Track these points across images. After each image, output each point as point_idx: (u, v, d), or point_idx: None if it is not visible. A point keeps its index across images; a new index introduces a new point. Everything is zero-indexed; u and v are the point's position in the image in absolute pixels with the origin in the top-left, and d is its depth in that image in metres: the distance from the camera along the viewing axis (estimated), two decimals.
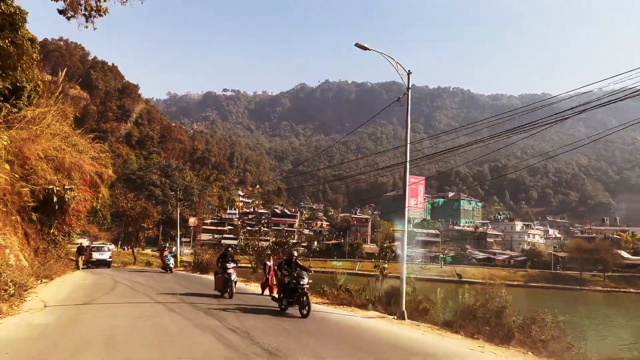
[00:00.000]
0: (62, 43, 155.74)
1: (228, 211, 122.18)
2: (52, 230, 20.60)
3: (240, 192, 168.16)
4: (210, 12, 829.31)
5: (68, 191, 20.20)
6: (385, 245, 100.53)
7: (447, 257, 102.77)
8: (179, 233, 39.34)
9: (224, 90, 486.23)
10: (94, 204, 23.75)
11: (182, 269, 30.60)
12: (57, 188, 19.87)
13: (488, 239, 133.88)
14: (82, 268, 28.29)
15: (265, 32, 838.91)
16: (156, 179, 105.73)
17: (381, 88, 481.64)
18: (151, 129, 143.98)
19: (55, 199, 19.82)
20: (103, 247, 36.35)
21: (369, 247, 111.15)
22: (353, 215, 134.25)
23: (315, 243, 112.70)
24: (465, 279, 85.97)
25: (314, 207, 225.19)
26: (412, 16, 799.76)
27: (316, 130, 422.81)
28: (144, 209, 38.65)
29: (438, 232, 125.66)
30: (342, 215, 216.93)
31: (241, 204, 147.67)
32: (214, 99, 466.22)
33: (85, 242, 37.64)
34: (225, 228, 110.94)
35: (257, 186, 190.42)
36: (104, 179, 23.49)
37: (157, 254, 73.72)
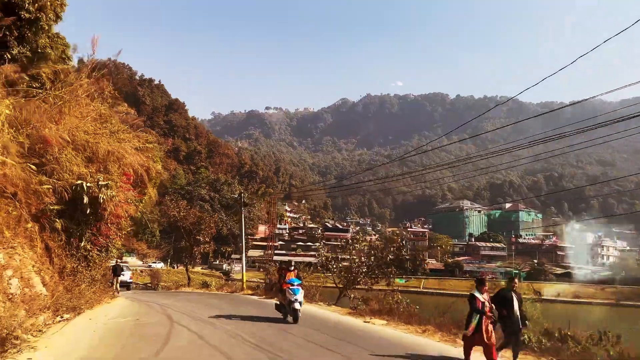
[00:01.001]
0: (109, 63, 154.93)
1: (278, 226, 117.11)
2: (82, 244, 14.97)
3: (287, 207, 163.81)
4: (252, 34, 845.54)
5: (104, 189, 14.54)
6: (449, 260, 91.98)
7: (522, 273, 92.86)
8: (244, 245, 32.22)
9: (267, 108, 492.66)
10: (139, 208, 18.04)
11: (249, 291, 24.61)
12: (89, 184, 14.24)
13: (558, 252, 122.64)
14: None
15: (307, 49, 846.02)
16: (205, 193, 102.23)
17: (424, 100, 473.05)
18: (198, 144, 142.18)
19: (86, 200, 14.20)
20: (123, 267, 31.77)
21: (430, 262, 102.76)
22: (410, 229, 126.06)
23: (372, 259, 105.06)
24: (545, 297, 76.75)
25: (360, 221, 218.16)
26: (454, 26, 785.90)
27: (359, 145, 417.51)
28: (198, 218, 32.75)
29: (504, 246, 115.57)
30: (390, 229, 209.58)
31: (289, 219, 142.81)
32: (257, 117, 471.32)
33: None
34: (276, 243, 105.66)
35: (303, 201, 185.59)
36: (152, 176, 17.89)
37: (218, 273, 68.99)
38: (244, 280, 28.97)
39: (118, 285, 23.63)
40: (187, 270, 41.59)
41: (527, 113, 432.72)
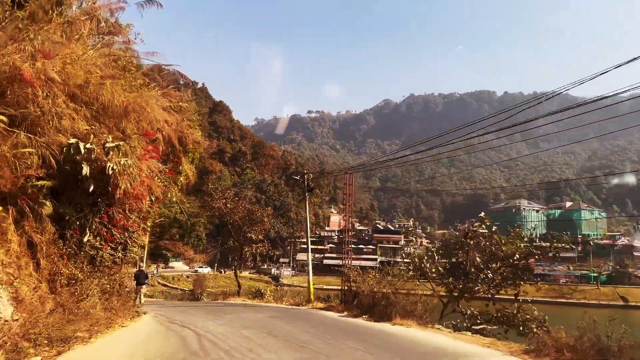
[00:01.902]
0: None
1: (327, 228, 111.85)
2: (87, 238, 10.01)
3: (332, 210, 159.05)
4: (290, 39, 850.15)
5: (114, 154, 9.53)
6: None
7: (602, 276, 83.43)
8: (308, 240, 25.89)
9: (309, 112, 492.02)
10: (173, 192, 12.94)
11: (320, 305, 19.06)
12: (90, 146, 9.26)
13: (635, 253, 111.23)
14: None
15: (348, 52, 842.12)
16: (251, 195, 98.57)
17: (470, 97, 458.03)
18: (243, 145, 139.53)
19: (86, 171, 9.23)
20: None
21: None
22: (472, 228, 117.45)
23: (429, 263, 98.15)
24: (633, 303, 68.12)
25: (408, 224, 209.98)
26: (500, 21, 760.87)
27: (403, 146, 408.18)
28: (249, 211, 27.35)
29: (574, 247, 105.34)
30: (440, 232, 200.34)
31: (337, 221, 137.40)
32: (299, 121, 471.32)
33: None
34: (326, 247, 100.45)
35: (350, 203, 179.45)
36: (188, 147, 12.83)
37: (266, 278, 63.92)
38: (311, 290, 23.24)
39: (142, 297, 18.98)
40: (236, 275, 35.97)
41: (581, 109, 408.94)
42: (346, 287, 17.89)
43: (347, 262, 20.49)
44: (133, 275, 18.05)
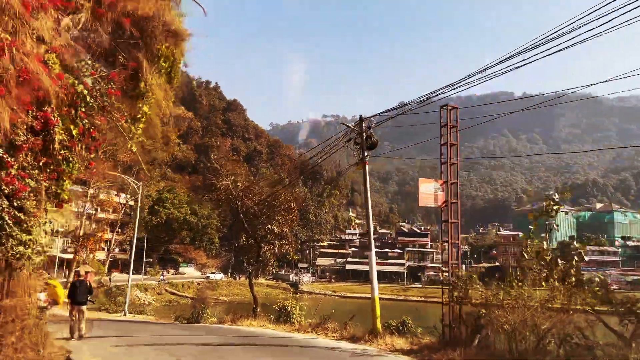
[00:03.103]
0: None
1: (347, 231, 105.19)
2: None
3: (351, 213, 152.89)
4: (307, 43, 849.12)
5: None
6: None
7: None
8: (370, 230, 14.50)
9: (324, 116, 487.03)
10: (127, 127, 6.56)
11: (400, 343, 10.46)
12: None
13: None
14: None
15: (361, 56, 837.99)
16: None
17: (488, 99, 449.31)
18: (258, 144, 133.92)
19: None
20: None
21: None
22: (499, 232, 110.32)
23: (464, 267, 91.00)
24: None
25: (427, 228, 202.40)
26: (516, 16, 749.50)
27: (420, 150, 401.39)
28: (269, 195, 19.93)
29: (617, 250, 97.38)
30: (463, 235, 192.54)
31: (355, 224, 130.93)
32: (315, 125, 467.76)
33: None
34: (347, 250, 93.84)
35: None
36: (157, 39, 6.48)
37: (284, 284, 57.72)
38: (377, 314, 13.53)
39: (83, 325, 12.31)
40: (251, 287, 24.77)
41: (603, 109, 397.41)
42: (453, 309, 10.22)
43: (449, 260, 12.12)
44: (70, 284, 11.88)
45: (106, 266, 42.35)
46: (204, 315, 20.73)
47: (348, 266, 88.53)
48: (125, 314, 27.43)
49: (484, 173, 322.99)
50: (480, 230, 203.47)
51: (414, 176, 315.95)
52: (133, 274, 60.61)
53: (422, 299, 67.49)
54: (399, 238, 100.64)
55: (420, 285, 77.60)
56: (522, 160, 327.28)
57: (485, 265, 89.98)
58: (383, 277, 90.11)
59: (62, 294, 26.96)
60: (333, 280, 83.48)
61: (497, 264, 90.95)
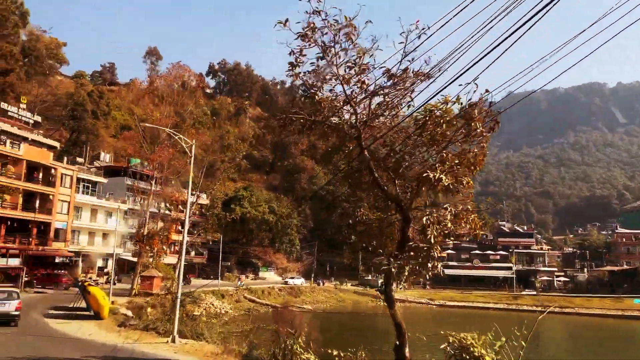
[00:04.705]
0: (244, 67, 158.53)
1: None
2: None
3: None
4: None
5: None
6: None
7: None
8: None
9: None
10: None
11: None
12: None
13: None
14: None
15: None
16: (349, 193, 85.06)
17: (577, 92, 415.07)
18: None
19: None
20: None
21: None
22: (617, 231, 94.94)
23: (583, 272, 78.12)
24: None
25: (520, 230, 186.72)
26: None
27: (502, 147, 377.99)
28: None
29: None
30: (558, 237, 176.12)
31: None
32: None
33: None
34: (442, 253, 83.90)
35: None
36: None
37: (373, 291, 52.42)
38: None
39: None
40: (390, 306, 11.27)
41: None
42: None
43: None
44: None
45: (177, 270, 36.48)
46: (294, 348, 13.13)
47: (448, 271, 78.79)
48: (173, 341, 18.72)
49: (578, 170, 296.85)
50: (579, 231, 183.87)
51: (497, 175, 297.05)
52: (211, 279, 55.65)
53: (558, 310, 56.98)
54: (499, 239, 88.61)
55: (535, 293, 66.00)
56: (620, 154, 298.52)
57: (609, 268, 76.48)
58: (487, 282, 79.33)
59: (106, 303, 19.59)
60: (428, 287, 73.72)
61: (625, 267, 76.96)
